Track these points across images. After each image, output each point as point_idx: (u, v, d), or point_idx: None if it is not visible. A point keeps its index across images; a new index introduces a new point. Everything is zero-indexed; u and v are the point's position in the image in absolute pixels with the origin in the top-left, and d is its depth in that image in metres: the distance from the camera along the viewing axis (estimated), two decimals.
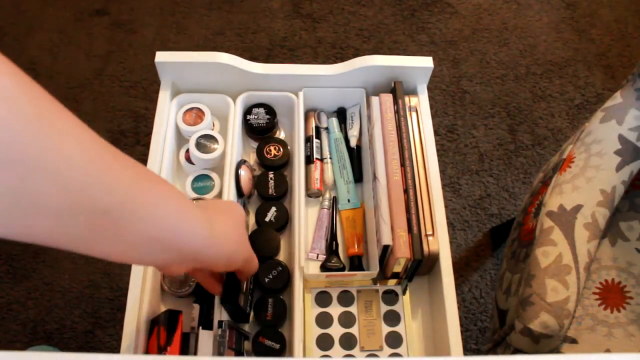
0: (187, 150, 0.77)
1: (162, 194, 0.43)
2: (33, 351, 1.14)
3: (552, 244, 0.80)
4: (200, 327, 0.64)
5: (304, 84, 0.80)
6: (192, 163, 0.77)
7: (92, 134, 0.38)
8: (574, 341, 0.81)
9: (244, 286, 0.65)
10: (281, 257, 0.74)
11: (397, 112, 0.77)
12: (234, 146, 0.76)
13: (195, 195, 0.75)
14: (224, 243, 0.51)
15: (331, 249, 0.74)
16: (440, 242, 0.69)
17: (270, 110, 0.81)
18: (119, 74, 1.64)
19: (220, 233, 0.50)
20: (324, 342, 0.68)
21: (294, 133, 0.80)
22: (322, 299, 0.70)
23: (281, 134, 0.83)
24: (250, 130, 0.80)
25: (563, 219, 0.81)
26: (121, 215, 0.39)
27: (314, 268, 0.74)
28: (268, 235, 0.72)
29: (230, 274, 0.64)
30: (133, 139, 1.51)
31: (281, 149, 0.79)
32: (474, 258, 1.39)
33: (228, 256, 0.52)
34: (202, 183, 0.76)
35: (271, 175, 0.77)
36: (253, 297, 0.68)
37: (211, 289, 0.62)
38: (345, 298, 0.71)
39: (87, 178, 0.36)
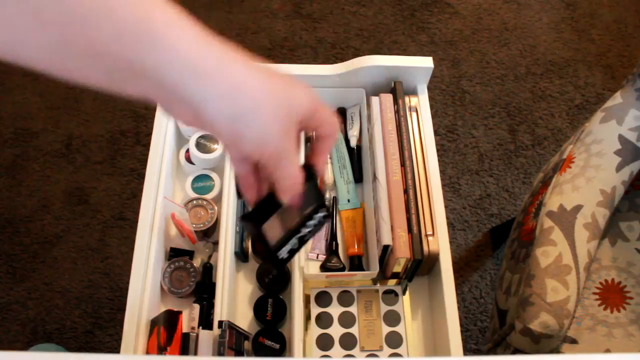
0: (187, 150, 0.77)
1: (150, 4, 0.34)
2: (36, 350, 1.14)
3: (552, 244, 0.80)
4: (200, 327, 0.64)
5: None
6: (192, 163, 0.77)
7: None
8: (574, 341, 0.81)
9: (291, 221, 0.49)
10: None
11: (397, 112, 0.77)
12: None
13: (195, 195, 0.75)
14: (231, 87, 0.35)
15: (331, 249, 0.74)
16: (440, 242, 0.69)
17: None
18: None
19: (232, 71, 0.36)
20: (324, 342, 0.68)
21: None
22: (322, 299, 0.70)
23: None
24: None
25: (563, 219, 0.81)
26: (87, 18, 0.31)
27: (314, 268, 0.74)
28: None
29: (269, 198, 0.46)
30: (133, 139, 1.51)
31: None
32: (474, 258, 1.39)
33: (233, 115, 0.36)
34: (202, 183, 0.76)
35: None
36: (299, 250, 0.51)
37: (244, 190, 0.44)
38: (345, 298, 0.70)
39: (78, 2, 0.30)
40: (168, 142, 0.75)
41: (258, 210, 0.46)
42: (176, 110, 0.37)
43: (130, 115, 1.55)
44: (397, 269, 0.68)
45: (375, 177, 0.73)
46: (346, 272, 0.71)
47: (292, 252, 0.50)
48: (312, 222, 0.50)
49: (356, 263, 0.73)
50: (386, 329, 0.69)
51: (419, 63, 0.79)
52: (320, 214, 0.50)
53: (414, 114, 0.78)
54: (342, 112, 0.84)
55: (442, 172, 1.49)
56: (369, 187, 0.75)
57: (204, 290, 0.69)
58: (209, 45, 0.36)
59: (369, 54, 0.79)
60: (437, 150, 1.50)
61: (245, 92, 0.36)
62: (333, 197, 0.79)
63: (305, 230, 0.50)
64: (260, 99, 0.36)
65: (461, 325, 1.27)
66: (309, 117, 0.40)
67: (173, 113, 0.38)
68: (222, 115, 0.35)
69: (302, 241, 0.51)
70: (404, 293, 0.71)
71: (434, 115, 1.57)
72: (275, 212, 0.46)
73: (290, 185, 0.41)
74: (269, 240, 0.48)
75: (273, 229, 0.48)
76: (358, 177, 0.80)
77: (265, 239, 0.47)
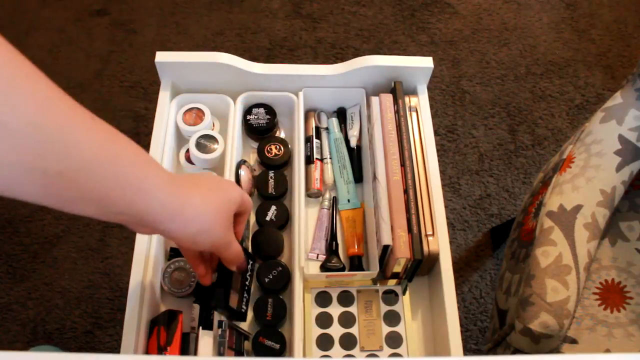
0: (187, 150, 0.77)
1: (125, 159, 0.43)
2: (35, 351, 1.14)
3: (552, 244, 0.80)
4: (200, 327, 0.64)
5: (304, 84, 0.80)
6: (192, 163, 0.77)
7: (60, 96, 0.38)
8: (574, 341, 0.81)
9: (237, 283, 0.63)
10: (281, 257, 0.74)
11: (397, 112, 0.77)
12: (234, 146, 0.76)
13: None
14: (191, 219, 0.48)
15: (331, 249, 0.74)
16: (440, 242, 0.69)
17: (270, 110, 0.81)
18: (119, 74, 1.64)
19: (192, 205, 0.48)
20: (324, 342, 0.68)
21: (294, 133, 0.80)
22: (322, 299, 0.70)
23: (281, 134, 0.83)
24: (250, 130, 0.80)
25: (563, 219, 0.81)
26: (76, 178, 0.39)
27: (314, 268, 0.74)
28: (272, 236, 0.72)
29: (220, 274, 0.62)
30: (133, 139, 1.51)
31: (282, 148, 0.79)
32: (474, 258, 1.39)
33: (193, 234, 0.50)
34: None
35: (271, 175, 0.77)
36: (250, 295, 0.68)
37: (196, 269, 0.59)
38: (345, 298, 0.70)
39: (42, 138, 0.36)
40: (168, 142, 0.75)
41: (219, 294, 0.60)
42: (144, 231, 0.51)
43: (130, 115, 1.55)
44: (397, 269, 0.68)
45: (375, 177, 0.73)
46: (346, 272, 0.71)
47: (247, 301, 0.65)
48: (248, 273, 0.66)
49: (356, 263, 0.73)
50: (386, 329, 0.69)
51: (419, 63, 0.79)
52: (251, 262, 0.66)
53: (414, 114, 0.78)
54: (342, 112, 0.84)
55: (442, 172, 1.49)
56: (369, 187, 0.75)
57: (204, 290, 0.69)
58: (177, 190, 0.48)
59: (369, 54, 0.79)
60: (437, 150, 1.50)
61: (202, 218, 0.50)
62: (333, 197, 0.79)
63: (247, 281, 0.65)
64: (211, 219, 0.51)
65: (461, 325, 1.27)
66: (239, 203, 0.55)
67: (138, 230, 0.50)
68: (186, 235, 0.50)
69: (248, 290, 0.66)
70: (404, 293, 0.71)
71: (434, 115, 1.57)
72: (230, 288, 0.62)
73: (237, 258, 0.58)
74: (235, 308, 0.63)
75: (231, 298, 0.62)
76: (358, 177, 0.80)
77: (233, 309, 0.62)
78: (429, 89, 0.82)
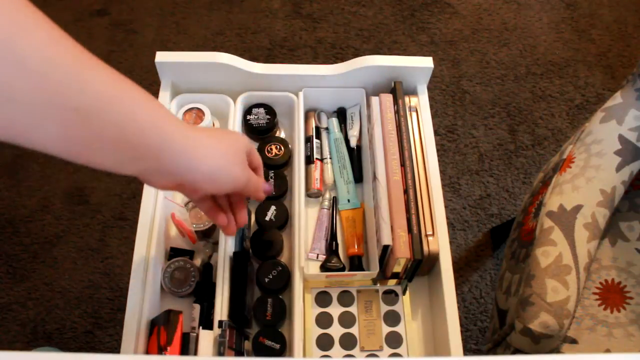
0: None
1: (138, 98, 0.43)
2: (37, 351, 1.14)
3: (552, 244, 0.80)
4: (200, 327, 0.64)
5: (304, 84, 0.80)
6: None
7: (69, 39, 0.39)
8: (574, 341, 0.81)
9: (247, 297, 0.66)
10: (281, 257, 0.74)
11: (397, 112, 0.77)
12: None
13: None
14: (206, 155, 0.49)
15: (331, 249, 0.74)
16: (440, 242, 0.69)
17: (270, 110, 0.81)
18: None
19: (203, 145, 0.49)
20: (324, 342, 0.68)
21: (294, 133, 0.80)
22: (322, 299, 0.70)
23: (281, 134, 0.83)
24: (250, 130, 0.80)
25: (563, 219, 0.81)
26: (91, 115, 0.39)
27: (314, 268, 0.74)
28: (272, 236, 0.72)
29: (234, 286, 0.64)
30: None
31: (282, 148, 0.79)
32: (474, 258, 1.39)
33: (211, 173, 0.50)
34: None
35: (271, 174, 0.77)
36: (253, 300, 0.69)
37: (216, 220, 0.59)
38: (345, 298, 0.70)
39: (58, 74, 0.37)
40: None
41: (233, 309, 0.65)
42: (156, 180, 0.49)
43: None
44: (397, 269, 0.68)
45: (375, 177, 0.73)
46: (346, 272, 0.71)
47: (248, 306, 0.66)
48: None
49: (356, 263, 0.73)
50: (386, 329, 0.69)
51: (419, 63, 0.79)
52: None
53: (414, 114, 0.78)
54: (342, 112, 0.84)
55: (442, 172, 1.49)
56: (369, 187, 0.75)
57: (204, 290, 0.69)
58: (190, 129, 0.48)
59: (369, 54, 0.79)
60: (437, 150, 1.50)
61: (218, 155, 0.50)
62: (333, 197, 0.79)
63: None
64: (226, 156, 0.51)
65: (461, 325, 1.27)
66: (248, 152, 0.56)
67: (152, 182, 0.49)
68: (205, 175, 0.50)
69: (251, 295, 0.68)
70: (404, 293, 0.71)
71: (434, 115, 1.57)
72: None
73: (260, 187, 0.58)
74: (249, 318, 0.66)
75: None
76: (358, 177, 0.80)
77: (247, 318, 0.65)
78: (429, 89, 0.82)
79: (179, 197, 0.77)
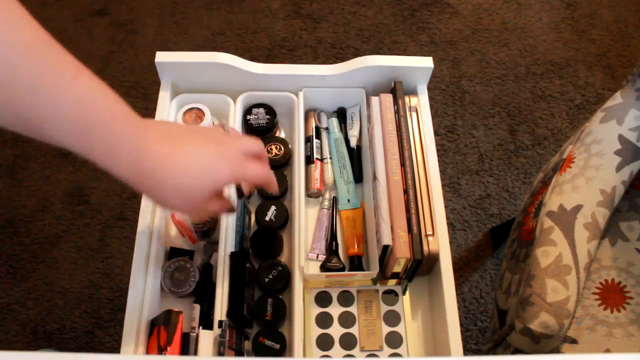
0: None
1: (85, 90, 0.43)
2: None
3: (552, 244, 0.80)
4: (200, 327, 0.64)
5: (304, 84, 0.80)
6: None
7: (40, 43, 0.40)
8: (574, 341, 0.81)
9: (245, 293, 0.66)
10: (281, 257, 0.74)
11: (397, 112, 0.77)
12: None
13: None
14: (162, 176, 0.46)
15: (331, 249, 0.74)
16: (440, 242, 0.69)
17: (270, 110, 0.81)
18: (119, 74, 1.64)
19: (159, 161, 0.46)
20: (324, 342, 0.68)
21: (294, 133, 0.80)
22: (322, 299, 0.70)
23: (281, 134, 0.83)
24: (250, 130, 0.80)
25: (563, 219, 0.81)
26: (53, 130, 0.41)
27: (314, 268, 0.74)
28: (272, 236, 0.72)
29: (233, 286, 0.65)
30: None
31: (282, 148, 0.79)
32: (474, 258, 1.39)
33: (172, 194, 0.48)
34: None
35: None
36: (253, 300, 0.69)
37: (206, 215, 0.59)
38: (345, 298, 0.71)
39: (16, 83, 0.38)
40: None
41: (231, 307, 0.64)
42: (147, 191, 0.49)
43: None
44: (397, 269, 0.68)
45: (375, 177, 0.73)
46: (346, 272, 0.71)
47: (247, 305, 0.66)
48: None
49: (356, 263, 0.73)
50: (386, 329, 0.69)
51: (419, 63, 0.79)
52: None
53: (414, 114, 0.78)
54: (342, 112, 0.84)
55: (442, 172, 1.49)
56: (369, 187, 0.75)
57: (204, 290, 0.69)
58: (144, 142, 0.48)
59: (369, 54, 0.79)
60: (437, 150, 1.50)
61: (183, 172, 0.49)
62: (333, 197, 0.79)
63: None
64: (197, 169, 0.50)
65: (461, 325, 1.27)
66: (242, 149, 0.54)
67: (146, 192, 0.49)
68: (164, 195, 0.49)
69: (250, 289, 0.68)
70: (404, 293, 0.71)
71: (434, 115, 1.57)
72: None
73: (265, 177, 0.56)
74: (249, 318, 0.65)
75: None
76: (358, 177, 0.80)
77: (246, 318, 0.65)
78: (429, 89, 0.82)
79: None
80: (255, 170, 0.54)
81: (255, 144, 0.56)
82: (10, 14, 0.39)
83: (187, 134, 0.51)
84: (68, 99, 0.41)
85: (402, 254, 0.66)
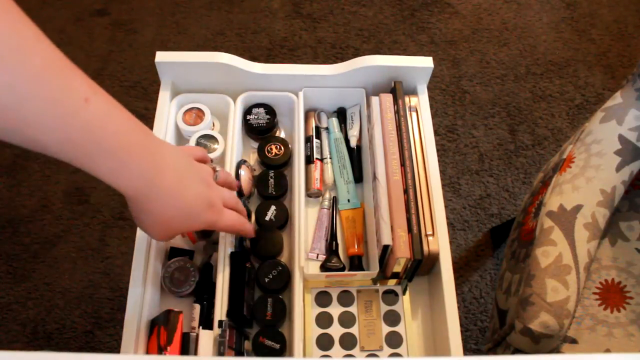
0: None
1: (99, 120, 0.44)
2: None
3: (552, 244, 0.80)
4: (200, 327, 0.64)
5: (304, 84, 0.80)
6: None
7: (51, 65, 0.40)
8: (574, 341, 0.81)
9: (245, 293, 0.66)
10: (281, 257, 0.74)
11: (397, 112, 0.77)
12: (234, 146, 0.75)
13: None
14: (159, 208, 0.52)
15: (331, 249, 0.74)
16: (440, 242, 0.69)
17: (270, 110, 0.81)
18: (119, 74, 1.64)
19: (163, 194, 0.51)
20: (324, 342, 0.68)
21: (294, 133, 0.80)
22: (322, 299, 0.70)
23: (281, 134, 0.83)
24: (250, 130, 0.80)
25: (563, 219, 0.81)
26: (62, 152, 0.43)
27: (314, 268, 0.74)
28: (272, 236, 0.72)
29: (233, 286, 0.65)
30: None
31: (282, 148, 0.79)
32: (474, 258, 1.39)
33: (160, 226, 0.54)
34: None
35: (271, 174, 0.77)
36: (253, 300, 0.69)
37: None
38: (345, 298, 0.71)
39: (28, 110, 0.39)
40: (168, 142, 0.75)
41: (231, 307, 0.64)
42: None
43: None
44: (397, 269, 0.68)
45: (375, 177, 0.73)
46: (346, 272, 0.71)
47: (247, 305, 0.66)
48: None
49: (356, 263, 0.73)
50: (386, 329, 0.69)
51: (419, 63, 0.79)
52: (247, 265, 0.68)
53: (414, 114, 0.78)
54: (342, 112, 0.84)
55: (442, 172, 1.49)
56: (369, 187, 0.75)
57: (204, 290, 0.69)
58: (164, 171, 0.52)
59: (369, 54, 0.79)
60: (437, 150, 1.50)
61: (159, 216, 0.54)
62: (333, 197, 0.79)
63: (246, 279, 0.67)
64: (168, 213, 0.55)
65: (461, 325, 1.27)
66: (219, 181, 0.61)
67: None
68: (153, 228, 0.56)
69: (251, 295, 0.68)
70: (404, 293, 0.71)
71: (434, 115, 1.57)
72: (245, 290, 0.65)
73: (239, 225, 0.63)
74: (249, 318, 0.66)
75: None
76: (358, 177, 0.80)
77: (246, 317, 0.65)
78: (429, 89, 0.82)
79: None
80: (229, 219, 0.60)
81: (234, 196, 0.62)
82: (22, 40, 0.38)
83: (189, 172, 0.55)
84: (76, 125, 0.42)
85: (402, 253, 0.66)
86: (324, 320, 0.69)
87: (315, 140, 0.81)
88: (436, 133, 1.55)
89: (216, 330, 0.62)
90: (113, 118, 0.45)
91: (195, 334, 0.64)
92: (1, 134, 0.40)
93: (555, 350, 0.80)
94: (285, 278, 0.69)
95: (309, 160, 0.79)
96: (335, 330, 0.68)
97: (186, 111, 0.78)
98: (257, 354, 0.65)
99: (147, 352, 0.62)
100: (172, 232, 0.57)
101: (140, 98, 1.59)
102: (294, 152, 0.78)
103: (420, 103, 0.79)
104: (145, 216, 0.53)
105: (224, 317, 0.64)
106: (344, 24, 1.76)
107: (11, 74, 0.37)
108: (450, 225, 1.42)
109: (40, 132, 0.41)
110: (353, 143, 0.81)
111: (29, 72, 0.39)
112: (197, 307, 0.67)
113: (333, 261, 0.73)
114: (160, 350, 0.61)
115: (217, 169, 0.62)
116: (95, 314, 1.28)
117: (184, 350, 0.63)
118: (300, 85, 0.80)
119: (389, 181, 0.71)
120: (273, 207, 0.75)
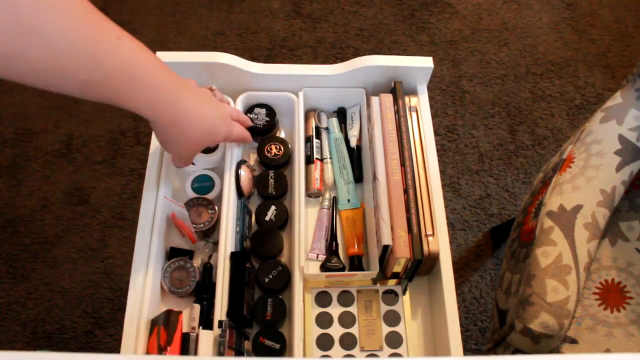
0: None
1: (141, 73, 0.51)
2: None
3: (552, 244, 0.80)
4: (200, 327, 0.64)
5: (304, 84, 0.80)
6: (193, 163, 0.77)
7: (93, 15, 0.47)
8: (574, 341, 0.81)
9: (245, 295, 0.66)
10: (281, 257, 0.74)
11: (397, 112, 0.77)
12: (233, 146, 0.75)
13: (195, 195, 0.75)
14: (189, 125, 0.60)
15: (331, 249, 0.74)
16: (440, 242, 0.69)
17: (270, 110, 0.81)
18: None
19: (191, 112, 0.59)
20: (324, 342, 0.68)
21: (294, 133, 0.80)
22: (322, 299, 0.70)
23: (281, 134, 0.83)
24: (251, 130, 0.80)
25: (563, 219, 0.81)
26: (104, 89, 0.50)
27: (314, 268, 0.74)
28: (272, 236, 0.72)
29: (233, 286, 0.65)
30: (133, 139, 1.51)
31: (282, 148, 0.79)
32: (474, 258, 1.39)
33: (187, 142, 0.62)
34: (202, 183, 0.76)
35: (271, 174, 0.77)
36: (253, 300, 0.69)
37: None
38: (345, 298, 0.71)
39: (77, 55, 0.45)
40: None
41: (231, 307, 0.65)
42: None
43: (130, 115, 1.55)
44: (397, 269, 0.68)
45: (375, 177, 0.73)
46: (346, 272, 0.71)
47: (247, 305, 0.66)
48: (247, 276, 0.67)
49: (356, 263, 0.73)
50: (386, 329, 0.69)
51: (419, 63, 0.79)
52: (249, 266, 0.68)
53: (414, 114, 0.78)
54: (342, 112, 0.84)
55: (442, 172, 1.49)
56: (369, 187, 0.75)
57: (204, 290, 0.69)
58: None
59: (369, 54, 0.79)
60: (437, 150, 1.50)
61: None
62: (333, 197, 0.79)
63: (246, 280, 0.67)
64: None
65: (461, 325, 1.27)
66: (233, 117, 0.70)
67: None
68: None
69: (251, 296, 0.68)
70: (404, 293, 0.71)
71: (434, 115, 1.57)
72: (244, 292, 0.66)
73: (240, 136, 0.71)
74: (249, 318, 0.66)
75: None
76: (358, 177, 0.80)
77: (246, 317, 0.65)
78: (429, 89, 0.82)
79: (179, 197, 0.77)
80: (238, 130, 0.69)
81: (234, 108, 0.73)
82: None
83: (205, 95, 0.63)
84: (115, 62, 0.48)
85: (402, 254, 0.66)
86: (324, 320, 0.69)
87: (315, 140, 0.81)
88: (436, 133, 1.55)
89: (216, 330, 0.62)
90: (139, 52, 0.51)
91: (195, 334, 0.64)
92: (52, 81, 0.45)
93: (555, 350, 0.80)
94: (285, 278, 0.69)
95: (309, 160, 0.79)
96: (335, 330, 0.68)
97: None
98: (257, 354, 0.65)
99: (147, 352, 0.62)
100: (198, 150, 0.65)
101: None
102: (294, 152, 0.78)
103: (420, 103, 0.79)
104: (177, 138, 0.60)
105: (224, 317, 0.64)
106: (344, 24, 1.76)
107: (63, 19, 0.43)
108: (450, 225, 1.42)
109: (87, 75, 0.46)
110: (353, 143, 0.81)
111: (75, 18, 0.44)
112: (197, 307, 0.67)
113: (333, 261, 0.73)
114: (160, 350, 0.61)
115: (213, 87, 0.72)
116: (95, 314, 1.28)
117: (184, 350, 0.63)
118: (300, 85, 0.80)
119: (389, 181, 0.71)
120: (273, 207, 0.75)
